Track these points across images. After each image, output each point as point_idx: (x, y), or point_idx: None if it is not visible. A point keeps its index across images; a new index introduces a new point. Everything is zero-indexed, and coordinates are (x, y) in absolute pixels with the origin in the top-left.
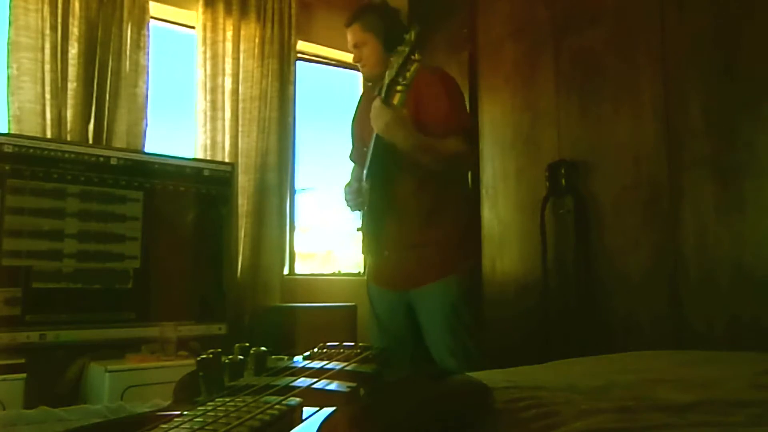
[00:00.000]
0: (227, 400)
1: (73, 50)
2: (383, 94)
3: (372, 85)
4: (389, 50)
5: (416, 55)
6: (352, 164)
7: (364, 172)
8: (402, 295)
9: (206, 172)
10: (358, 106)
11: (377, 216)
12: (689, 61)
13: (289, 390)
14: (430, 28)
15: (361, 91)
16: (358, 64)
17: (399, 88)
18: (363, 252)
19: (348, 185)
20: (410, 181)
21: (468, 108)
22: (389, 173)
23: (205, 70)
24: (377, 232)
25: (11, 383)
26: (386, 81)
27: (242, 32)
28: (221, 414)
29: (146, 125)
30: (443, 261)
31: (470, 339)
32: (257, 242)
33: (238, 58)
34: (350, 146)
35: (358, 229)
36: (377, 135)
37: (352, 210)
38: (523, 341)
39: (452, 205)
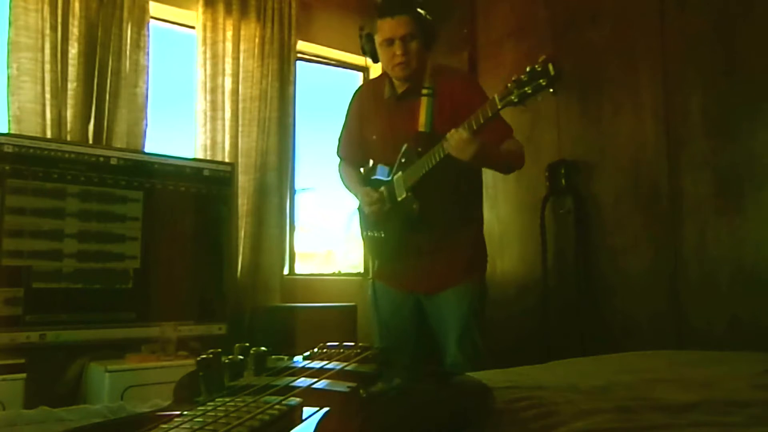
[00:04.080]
0: (227, 400)
1: (73, 50)
2: (471, 125)
3: (377, 83)
4: (427, 51)
5: (551, 90)
6: (338, 159)
7: (396, 181)
8: (413, 296)
9: (206, 172)
10: (354, 104)
11: (408, 225)
12: (689, 61)
13: (289, 390)
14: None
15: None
16: (398, 59)
17: (425, 92)
18: (377, 256)
19: (366, 189)
20: (443, 192)
21: None
22: (432, 187)
23: (205, 70)
24: (404, 239)
25: (11, 383)
26: (500, 104)
27: (242, 32)
28: (221, 414)
29: (146, 125)
30: (468, 265)
31: (482, 340)
32: (257, 242)
33: (238, 58)
34: (338, 142)
35: (363, 231)
36: (444, 157)
37: (374, 215)
38: (523, 341)
39: (477, 210)
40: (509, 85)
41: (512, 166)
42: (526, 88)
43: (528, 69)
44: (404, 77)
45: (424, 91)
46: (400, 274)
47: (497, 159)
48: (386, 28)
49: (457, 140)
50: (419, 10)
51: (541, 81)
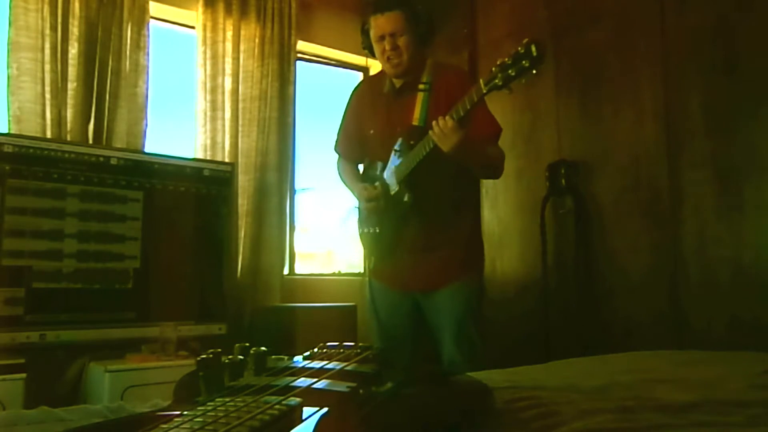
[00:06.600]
0: (227, 400)
1: (73, 50)
2: (458, 111)
3: (377, 79)
4: (422, 46)
5: (534, 71)
6: (336, 155)
7: (389, 175)
8: (409, 295)
9: (206, 172)
10: (353, 100)
11: (402, 220)
12: (689, 61)
13: (288, 390)
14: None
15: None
16: (388, 55)
17: (421, 86)
18: (373, 253)
19: (362, 185)
20: (437, 186)
21: None
22: (425, 180)
23: (205, 70)
24: (399, 235)
25: (11, 383)
26: (485, 89)
27: (242, 32)
28: (221, 414)
29: (146, 125)
30: (464, 263)
31: (480, 339)
32: (257, 242)
33: (238, 58)
34: (336, 138)
35: (360, 228)
36: (433, 148)
37: (370, 210)
38: (523, 341)
39: (470, 209)
40: (494, 68)
41: (490, 170)
42: (510, 71)
43: (512, 52)
44: (396, 73)
45: (421, 86)
46: (395, 273)
47: (479, 157)
48: (377, 24)
49: (441, 127)
50: (412, 5)
51: (524, 63)
